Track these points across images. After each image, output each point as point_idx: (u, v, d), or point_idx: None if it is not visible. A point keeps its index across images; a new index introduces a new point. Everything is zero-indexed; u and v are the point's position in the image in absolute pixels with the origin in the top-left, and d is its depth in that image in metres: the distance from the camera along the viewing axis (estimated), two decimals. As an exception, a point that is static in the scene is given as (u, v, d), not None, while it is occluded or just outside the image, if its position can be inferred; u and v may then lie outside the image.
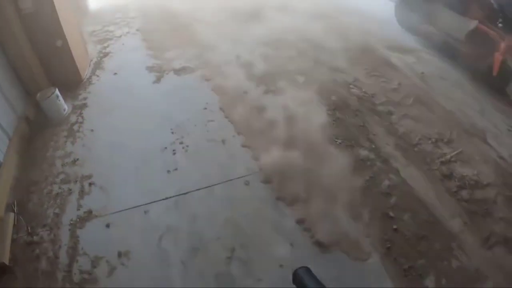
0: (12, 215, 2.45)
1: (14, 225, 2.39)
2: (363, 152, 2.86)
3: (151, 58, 4.07)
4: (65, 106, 3.30)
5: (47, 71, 3.49)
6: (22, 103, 3.28)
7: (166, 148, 2.74)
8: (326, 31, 4.76)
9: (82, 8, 5.29)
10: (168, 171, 2.54)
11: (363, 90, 3.59)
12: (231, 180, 2.49)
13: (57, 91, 3.18)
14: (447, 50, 4.62)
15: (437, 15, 4.72)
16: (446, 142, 3.12)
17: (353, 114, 3.26)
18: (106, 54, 4.22)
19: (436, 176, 2.79)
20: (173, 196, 2.37)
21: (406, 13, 5.20)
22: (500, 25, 3.78)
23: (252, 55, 4.05)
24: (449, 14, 4.53)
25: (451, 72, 4.41)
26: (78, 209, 2.43)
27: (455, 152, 3.02)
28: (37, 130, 3.18)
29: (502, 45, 3.68)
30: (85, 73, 3.86)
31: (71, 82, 3.67)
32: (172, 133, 2.88)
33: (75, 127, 3.11)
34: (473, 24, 4.16)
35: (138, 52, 4.21)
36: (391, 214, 2.48)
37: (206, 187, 2.41)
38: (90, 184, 2.57)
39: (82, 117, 3.23)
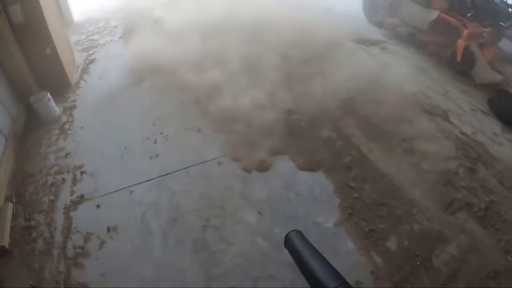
0: (10, 205, 2.73)
1: (13, 214, 2.66)
2: (326, 133, 3.20)
3: (134, 62, 4.39)
4: (56, 108, 3.60)
5: (39, 76, 3.80)
6: (16, 106, 3.58)
7: (148, 138, 3.06)
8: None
9: (67, 19, 5.63)
10: (151, 157, 2.87)
11: (328, 82, 3.89)
12: (206, 161, 2.81)
13: (48, 95, 3.48)
14: (412, 41, 5.01)
15: (402, 8, 5.12)
16: (407, 122, 3.38)
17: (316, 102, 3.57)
18: (91, 61, 4.55)
19: (398, 152, 3.04)
20: (155, 178, 2.69)
21: (372, 8, 5.60)
22: (469, 15, 4.12)
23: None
24: (413, 7, 4.93)
25: (416, 60, 4.77)
26: (71, 195, 2.73)
27: (416, 131, 3.25)
28: (31, 130, 3.47)
29: (465, 32, 4.03)
30: (73, 78, 4.17)
31: (61, 86, 3.97)
32: (154, 125, 3.20)
33: (66, 126, 3.41)
34: (434, 14, 4.57)
35: (121, 58, 4.53)
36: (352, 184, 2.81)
37: (183, 168, 2.73)
38: (81, 173, 2.87)
39: (72, 116, 3.54)
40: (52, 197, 2.76)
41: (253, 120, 3.12)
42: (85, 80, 4.15)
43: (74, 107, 3.70)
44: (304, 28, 4.79)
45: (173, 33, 4.49)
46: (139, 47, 4.36)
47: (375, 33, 5.46)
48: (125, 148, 2.99)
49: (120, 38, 5.10)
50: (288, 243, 1.25)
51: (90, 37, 5.18)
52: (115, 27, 5.44)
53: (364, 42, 5.08)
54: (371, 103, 3.60)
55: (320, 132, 3.23)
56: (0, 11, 3.18)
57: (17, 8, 3.27)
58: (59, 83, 3.96)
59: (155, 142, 3.01)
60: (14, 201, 2.78)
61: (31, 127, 3.49)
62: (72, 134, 3.30)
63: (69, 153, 3.09)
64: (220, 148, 2.93)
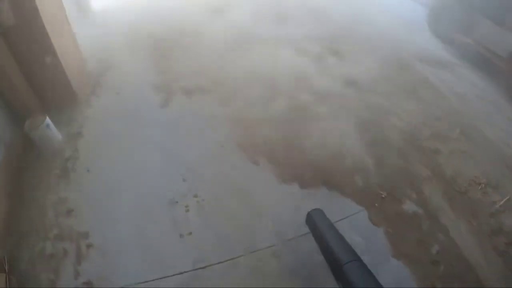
0: (3, 276, 2.07)
1: (5, 288, 2.04)
2: (411, 207, 2.46)
3: (159, 74, 3.56)
4: (58, 135, 2.84)
5: (38, 92, 3.00)
6: (9, 130, 2.82)
7: (177, 202, 2.31)
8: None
9: (83, 8, 4.68)
10: (181, 236, 2.13)
11: (405, 120, 3.13)
12: (258, 250, 2.07)
13: (47, 120, 2.71)
14: (484, 65, 4.16)
15: (477, 26, 4.21)
16: (494, 186, 2.78)
17: (397, 153, 2.83)
18: (108, 68, 3.69)
19: (485, 231, 2.47)
20: (189, 271, 1.97)
21: (440, 22, 4.67)
22: None
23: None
24: (490, 26, 4.03)
25: (488, 91, 4.00)
26: (75, 278, 2.05)
27: (504, 200, 2.68)
28: (27, 163, 2.75)
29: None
30: (82, 91, 3.36)
31: (66, 103, 3.19)
32: (184, 180, 2.44)
33: (69, 164, 2.67)
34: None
35: (144, 64, 3.68)
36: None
37: (227, 260, 2.00)
38: (87, 246, 2.17)
39: (77, 150, 2.79)
40: (51, 276, 2.10)
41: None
42: (97, 96, 3.34)
43: (80, 135, 2.93)
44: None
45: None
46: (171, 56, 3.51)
47: (440, 50, 4.59)
48: (146, 215, 2.25)
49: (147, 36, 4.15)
50: (309, 220, 1.55)
51: (109, 33, 4.25)
52: (142, 22, 4.49)
53: (432, 63, 4.22)
54: (457, 157, 2.95)
55: (404, 205, 2.50)
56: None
57: (4, 6, 2.42)
58: (63, 99, 3.17)
59: (187, 210, 2.27)
60: (6, 270, 2.11)
61: (28, 158, 2.76)
62: (75, 179, 2.56)
63: (72, 210, 2.37)
64: (278, 228, 2.18)
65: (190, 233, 2.14)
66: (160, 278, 1.96)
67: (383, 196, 2.50)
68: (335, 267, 1.29)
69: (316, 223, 1.59)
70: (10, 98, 2.80)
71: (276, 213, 2.21)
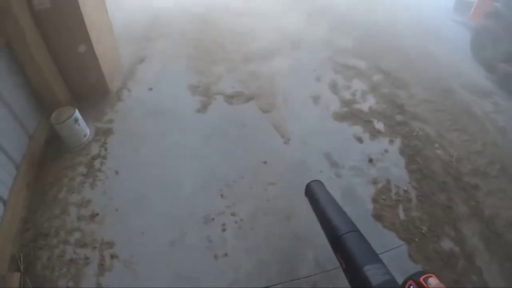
0: (17, 275, 1.92)
1: (19, 291, 1.87)
2: (448, 245, 2.28)
3: (196, 73, 3.39)
4: (86, 130, 2.68)
5: (68, 81, 2.87)
6: (34, 120, 2.68)
7: (213, 219, 2.12)
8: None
9: None
10: (216, 256, 1.94)
11: (448, 151, 2.94)
12: (297, 279, 1.88)
13: (76, 113, 2.56)
14: (529, 98, 3.96)
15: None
16: None
17: (439, 187, 2.63)
18: (141, 59, 3.53)
19: None
20: (223, 298, 1.77)
21: (484, 48, 4.48)
22: None
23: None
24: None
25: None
26: (96, 290, 1.86)
27: None
28: (52, 156, 2.59)
29: None
30: (114, 84, 3.20)
31: (97, 96, 3.05)
32: (222, 196, 2.25)
33: (96, 163, 2.50)
34: None
35: (181, 60, 3.51)
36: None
37: (265, 288, 1.81)
38: (112, 256, 1.99)
39: (106, 148, 2.62)
40: (70, 283, 1.92)
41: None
42: (129, 90, 3.18)
43: (110, 131, 2.77)
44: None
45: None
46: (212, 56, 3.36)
47: (482, 78, 4.39)
48: (178, 230, 2.06)
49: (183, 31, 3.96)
50: (308, 191, 1.59)
51: (144, 21, 4.05)
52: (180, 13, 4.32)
53: (474, 90, 4.02)
54: (496, 196, 2.74)
55: (442, 242, 2.31)
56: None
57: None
58: (94, 92, 3.04)
59: (223, 229, 2.07)
60: (22, 270, 1.97)
61: (52, 151, 2.61)
62: (102, 180, 2.39)
63: (97, 214, 2.19)
64: (318, 255, 1.98)
65: (226, 255, 1.94)
66: (192, 304, 1.77)
67: (423, 231, 2.30)
68: (334, 238, 1.27)
69: (316, 195, 1.56)
70: (38, 87, 2.67)
71: (317, 242, 2.01)
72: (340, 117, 3.14)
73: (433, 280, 0.73)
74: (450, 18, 5.65)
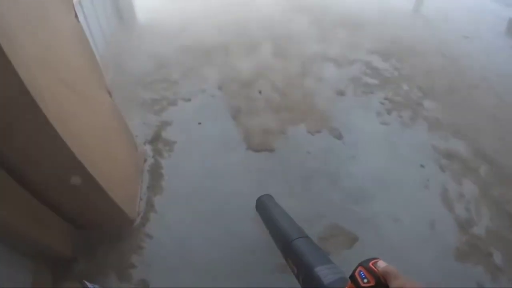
0: None
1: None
2: None
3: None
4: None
5: (65, 230, 1.66)
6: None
7: None
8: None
9: (126, 20, 3.46)
10: None
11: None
12: None
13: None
14: None
15: None
16: None
17: None
18: (169, 146, 2.31)
19: None
20: None
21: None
22: None
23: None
24: None
25: None
26: None
27: None
28: None
29: None
30: (136, 207, 2.02)
31: (114, 227, 1.88)
32: None
33: None
34: None
35: (229, 144, 2.40)
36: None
37: None
38: None
39: None
40: None
41: None
42: (156, 212, 2.03)
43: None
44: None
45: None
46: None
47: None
48: None
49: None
50: (259, 205, 1.72)
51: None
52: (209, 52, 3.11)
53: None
54: None
55: None
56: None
57: None
58: (109, 222, 1.87)
59: None
60: None
61: None
62: None
63: None
64: None
65: None
66: None
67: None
68: (284, 244, 1.31)
69: (266, 207, 1.64)
70: (25, 248, 1.48)
71: None
72: (461, 254, 2.27)
73: (381, 263, 0.70)
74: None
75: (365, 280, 0.69)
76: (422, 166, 2.64)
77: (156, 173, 2.38)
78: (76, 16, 1.50)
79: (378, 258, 0.72)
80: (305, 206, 2.24)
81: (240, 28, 4.41)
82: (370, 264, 0.71)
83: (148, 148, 2.54)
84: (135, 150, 2.31)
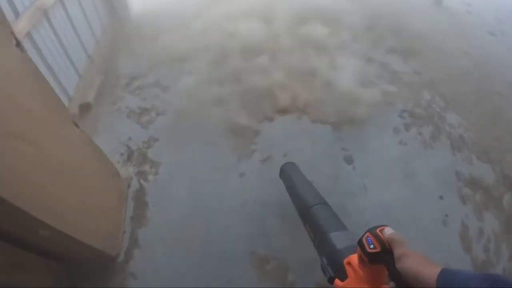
0: None
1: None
2: None
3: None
4: None
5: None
6: None
7: None
8: None
9: (120, 13, 3.65)
10: None
11: None
12: None
13: None
14: None
15: None
16: None
17: None
18: (151, 170, 2.10)
19: None
20: None
21: None
22: None
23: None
24: None
25: None
26: None
27: None
28: None
29: None
30: (118, 245, 1.83)
31: (98, 264, 1.70)
32: None
33: None
34: None
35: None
36: None
37: None
38: None
39: None
40: None
41: None
42: (139, 247, 1.83)
43: None
44: None
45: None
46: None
47: None
48: None
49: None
50: (283, 172, 1.76)
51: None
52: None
53: None
54: None
55: None
56: None
57: None
58: (91, 262, 1.68)
59: None
60: None
61: None
62: None
63: None
64: None
65: None
66: None
67: None
68: (303, 210, 1.36)
69: (289, 175, 1.66)
70: None
71: None
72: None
73: (388, 230, 0.72)
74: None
75: (371, 246, 0.71)
76: (441, 197, 2.35)
77: (140, 200, 2.17)
78: (18, 45, 1.21)
79: (386, 225, 0.73)
80: (305, 248, 2.02)
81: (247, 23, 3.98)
82: (377, 230, 0.72)
83: (132, 170, 2.31)
84: (117, 177, 2.09)
